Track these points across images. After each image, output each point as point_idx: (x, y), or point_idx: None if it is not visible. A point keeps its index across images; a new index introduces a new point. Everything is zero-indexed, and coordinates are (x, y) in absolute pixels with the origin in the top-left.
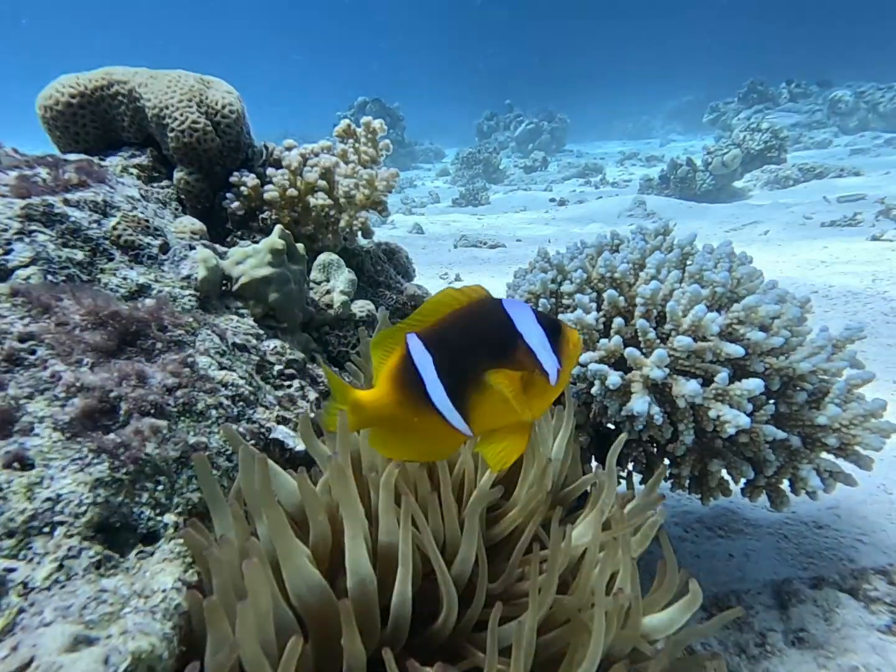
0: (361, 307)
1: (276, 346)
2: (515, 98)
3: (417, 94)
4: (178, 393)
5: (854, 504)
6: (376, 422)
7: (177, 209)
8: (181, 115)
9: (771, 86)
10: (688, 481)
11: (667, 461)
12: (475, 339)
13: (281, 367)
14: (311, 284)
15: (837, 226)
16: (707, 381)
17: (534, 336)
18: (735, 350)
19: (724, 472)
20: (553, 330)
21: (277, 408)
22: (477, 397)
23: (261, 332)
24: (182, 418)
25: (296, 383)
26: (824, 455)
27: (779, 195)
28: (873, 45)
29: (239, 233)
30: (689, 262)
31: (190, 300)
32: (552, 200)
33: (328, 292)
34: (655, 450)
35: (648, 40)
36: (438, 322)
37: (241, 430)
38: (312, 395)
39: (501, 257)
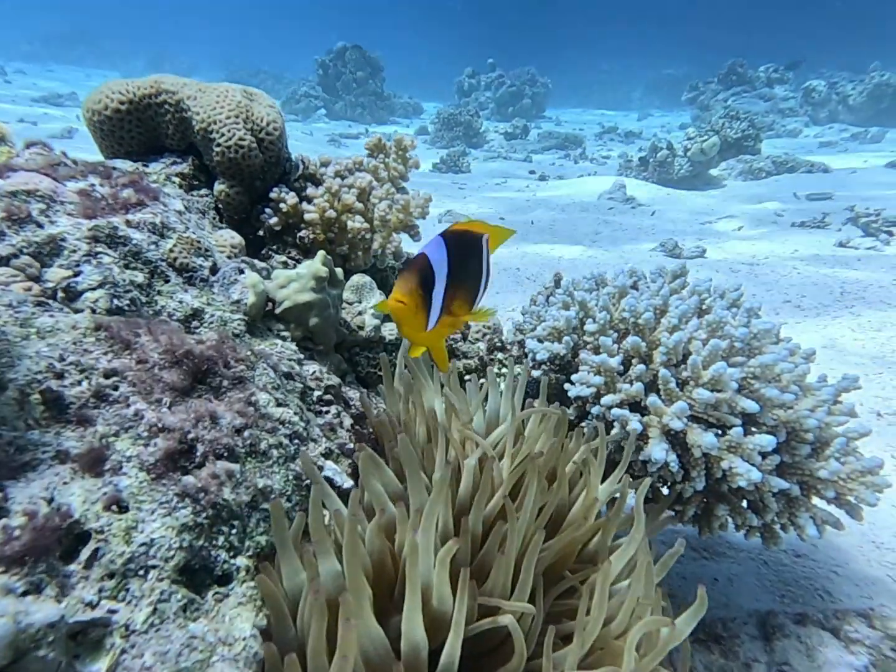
0: (391, 330)
1: (315, 372)
2: (498, 56)
3: (397, 41)
4: (246, 434)
5: (829, 535)
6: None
7: (214, 218)
8: (228, 131)
9: (750, 68)
10: (690, 516)
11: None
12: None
13: (320, 392)
14: (344, 305)
15: (807, 227)
16: (720, 429)
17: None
18: (751, 406)
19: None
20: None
21: (324, 440)
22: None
23: (301, 356)
24: (248, 459)
25: (333, 409)
26: (816, 500)
27: (752, 186)
28: (857, 28)
29: (274, 246)
30: (704, 306)
31: (239, 324)
32: (532, 173)
33: (360, 313)
34: (662, 485)
35: (635, 9)
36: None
37: (297, 468)
38: (348, 422)
39: None
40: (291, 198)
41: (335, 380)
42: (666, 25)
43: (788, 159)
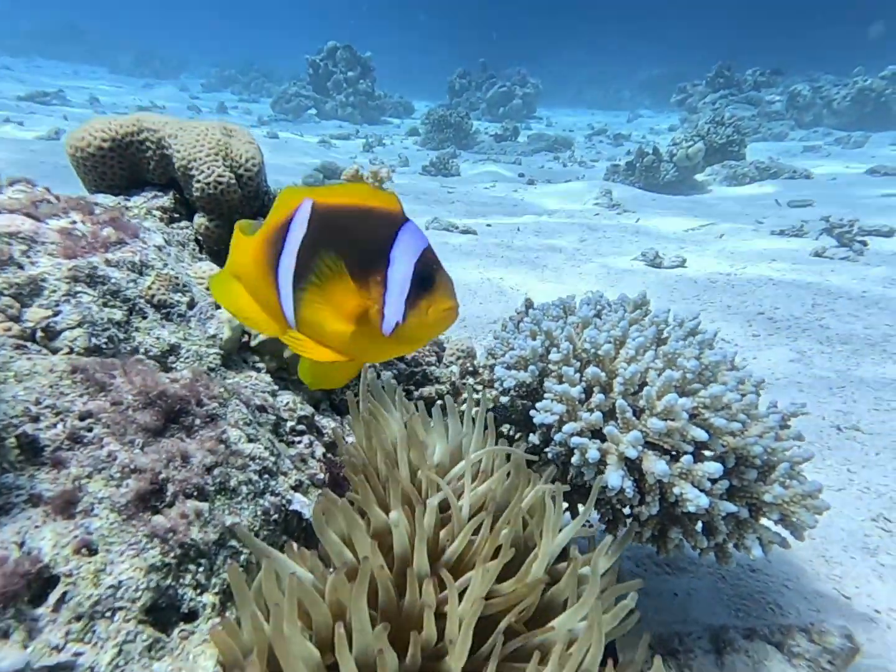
0: None
1: (288, 402)
2: (489, 56)
3: (388, 38)
4: (216, 472)
5: (782, 550)
6: (237, 267)
7: (194, 249)
8: (208, 168)
9: (737, 72)
10: (647, 538)
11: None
12: (350, 240)
13: (293, 423)
14: None
15: (786, 235)
16: (673, 455)
17: (399, 273)
18: (700, 434)
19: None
20: (422, 282)
21: (294, 472)
22: (306, 284)
23: (275, 387)
24: (218, 497)
25: (305, 439)
26: (764, 521)
27: (735, 192)
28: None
29: None
30: (664, 335)
31: (215, 358)
32: (521, 176)
33: None
34: (621, 508)
35: (626, 9)
36: (338, 205)
37: (266, 504)
38: (320, 451)
39: (472, 246)
40: None
41: (308, 409)
42: (656, 25)
43: (772, 165)
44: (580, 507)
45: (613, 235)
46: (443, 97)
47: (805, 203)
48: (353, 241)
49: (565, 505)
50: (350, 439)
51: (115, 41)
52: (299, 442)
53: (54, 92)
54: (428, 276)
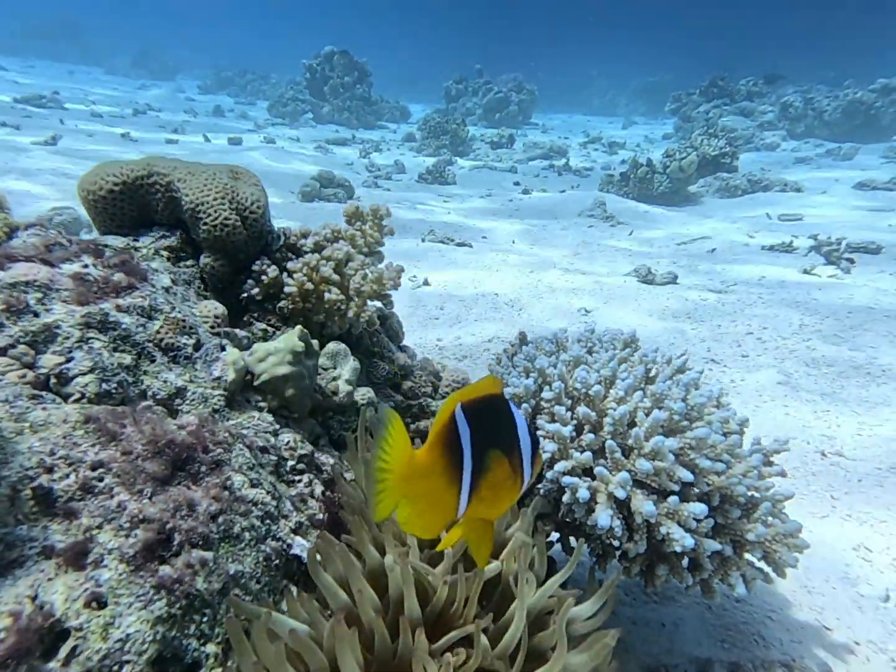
0: (363, 395)
1: (289, 441)
2: (485, 61)
3: (386, 41)
4: (220, 519)
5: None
6: (421, 485)
7: (199, 287)
8: (215, 211)
9: (731, 82)
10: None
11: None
12: (494, 428)
13: (293, 462)
14: (319, 370)
15: (776, 251)
16: (660, 494)
17: (525, 444)
18: (686, 476)
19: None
20: (535, 444)
21: (295, 514)
22: (482, 482)
23: (277, 426)
24: (222, 544)
25: (305, 478)
26: (748, 556)
27: (727, 204)
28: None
29: (255, 313)
30: (651, 374)
31: (219, 400)
32: (517, 184)
33: (334, 379)
34: (610, 542)
35: (622, 17)
36: (473, 400)
37: (267, 549)
38: (319, 490)
39: (468, 259)
40: (273, 271)
41: (308, 448)
42: (652, 33)
43: (763, 178)
44: (572, 540)
45: (607, 249)
46: (439, 101)
47: (795, 217)
48: (500, 431)
49: (556, 535)
50: (349, 475)
51: (112, 42)
52: (299, 481)
53: (49, 94)
54: (536, 440)
